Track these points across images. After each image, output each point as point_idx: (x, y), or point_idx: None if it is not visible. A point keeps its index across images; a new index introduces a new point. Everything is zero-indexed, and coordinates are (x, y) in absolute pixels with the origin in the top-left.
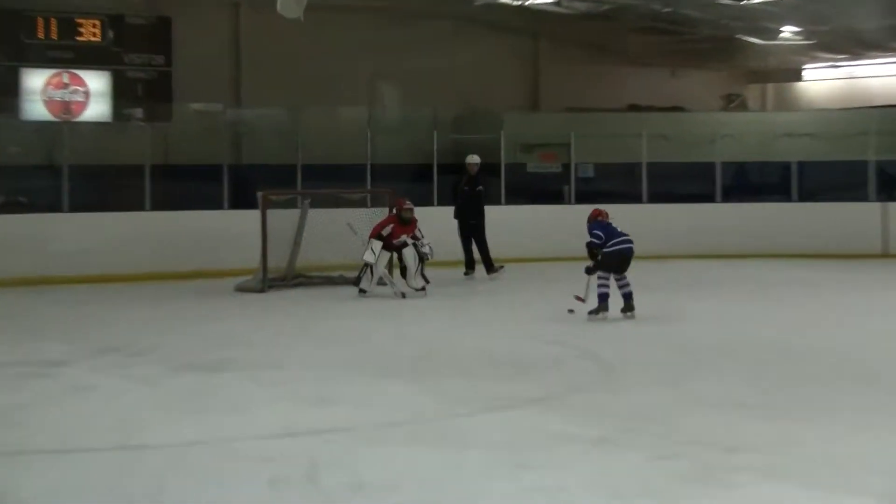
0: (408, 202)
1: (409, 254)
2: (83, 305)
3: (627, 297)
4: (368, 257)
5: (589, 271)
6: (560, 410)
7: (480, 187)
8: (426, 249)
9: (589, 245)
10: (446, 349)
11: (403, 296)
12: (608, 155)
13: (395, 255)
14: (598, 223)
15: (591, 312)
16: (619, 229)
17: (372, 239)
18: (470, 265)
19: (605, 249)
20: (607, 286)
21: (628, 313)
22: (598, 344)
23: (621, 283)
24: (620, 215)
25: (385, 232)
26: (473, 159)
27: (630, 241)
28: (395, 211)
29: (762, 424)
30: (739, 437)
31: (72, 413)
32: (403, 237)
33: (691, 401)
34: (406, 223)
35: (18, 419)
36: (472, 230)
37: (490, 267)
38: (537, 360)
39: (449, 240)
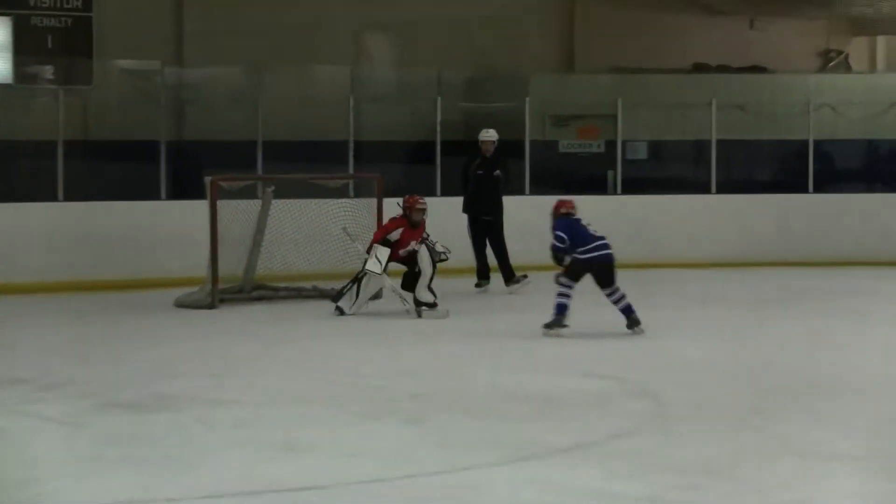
0: (422, 200)
1: (426, 257)
2: None
3: (627, 312)
4: (373, 267)
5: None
6: (599, 462)
7: (498, 172)
8: (441, 249)
9: (553, 249)
10: (453, 383)
11: (419, 315)
12: (666, 130)
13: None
14: (563, 220)
15: (546, 326)
16: (591, 229)
17: (376, 245)
18: (483, 274)
19: (576, 256)
20: (568, 296)
21: (636, 328)
22: (650, 376)
23: (612, 298)
24: (682, 208)
25: (393, 237)
26: (488, 135)
27: (607, 247)
28: (404, 211)
29: (863, 482)
30: (831, 497)
31: None
32: (413, 244)
33: (769, 450)
34: (416, 226)
35: None
36: (486, 228)
37: (510, 276)
38: (569, 397)
39: (457, 241)
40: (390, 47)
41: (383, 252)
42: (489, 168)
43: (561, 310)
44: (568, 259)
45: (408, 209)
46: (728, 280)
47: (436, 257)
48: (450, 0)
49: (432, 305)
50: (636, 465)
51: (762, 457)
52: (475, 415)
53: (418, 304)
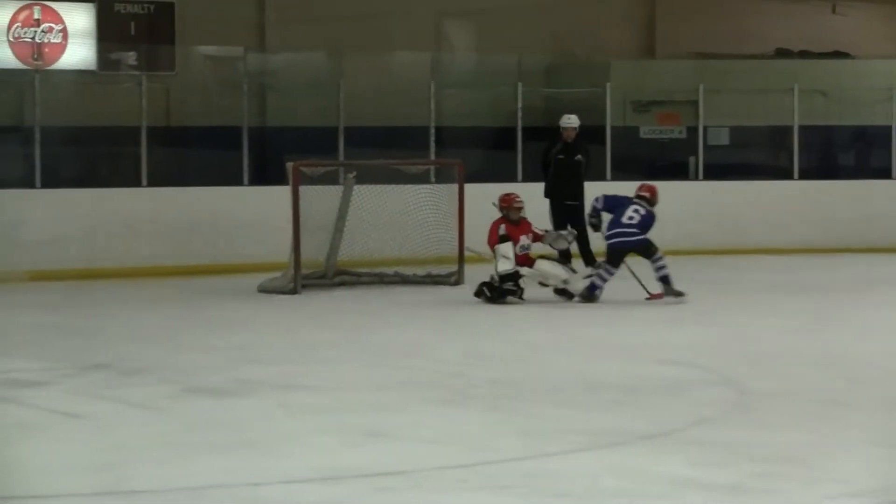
0: (518, 198)
1: (549, 272)
2: (61, 309)
3: (664, 281)
4: (506, 265)
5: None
6: (681, 449)
7: (580, 157)
8: (564, 233)
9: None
10: (534, 370)
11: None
12: (748, 116)
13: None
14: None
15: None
16: (629, 213)
17: (498, 246)
18: (566, 258)
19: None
20: (603, 278)
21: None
22: (733, 363)
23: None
24: (764, 194)
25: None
26: (570, 121)
27: (634, 234)
28: (502, 211)
29: None
30: None
31: (48, 449)
32: (524, 239)
33: (851, 440)
34: (517, 223)
35: None
36: (568, 213)
37: (590, 260)
38: (651, 385)
39: (539, 225)
40: (471, 33)
41: (508, 248)
42: (570, 153)
43: (592, 289)
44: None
45: (505, 209)
46: (810, 266)
47: (562, 244)
48: None
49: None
50: (718, 453)
51: (843, 446)
52: (556, 402)
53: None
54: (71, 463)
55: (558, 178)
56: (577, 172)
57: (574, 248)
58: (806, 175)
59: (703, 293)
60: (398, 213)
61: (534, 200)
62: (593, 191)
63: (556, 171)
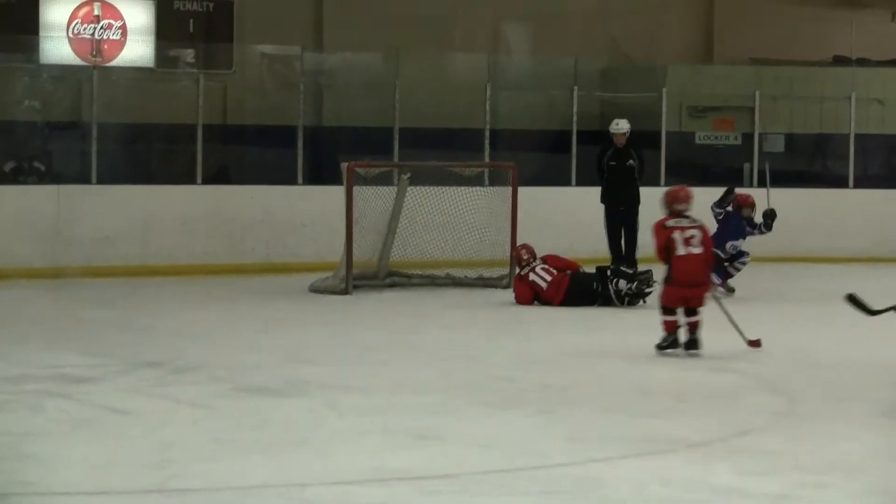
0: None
1: None
2: (114, 306)
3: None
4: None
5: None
6: (729, 458)
7: (632, 161)
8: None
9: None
10: (583, 375)
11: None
12: (804, 123)
13: None
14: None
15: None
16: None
17: None
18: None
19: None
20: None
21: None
22: (781, 371)
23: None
24: (819, 202)
25: None
26: (620, 127)
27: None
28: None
29: None
30: None
31: (99, 445)
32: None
33: None
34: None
35: (32, 451)
36: (622, 219)
37: (633, 264)
38: (700, 392)
39: (593, 231)
40: (528, 36)
41: None
42: (622, 159)
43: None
44: None
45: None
46: (865, 276)
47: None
48: None
49: None
50: (766, 462)
51: (892, 457)
52: (603, 407)
53: None
54: (121, 460)
55: (610, 185)
56: (629, 178)
57: None
58: (861, 184)
59: (757, 301)
60: (451, 215)
61: (588, 205)
62: (648, 196)
63: (609, 177)
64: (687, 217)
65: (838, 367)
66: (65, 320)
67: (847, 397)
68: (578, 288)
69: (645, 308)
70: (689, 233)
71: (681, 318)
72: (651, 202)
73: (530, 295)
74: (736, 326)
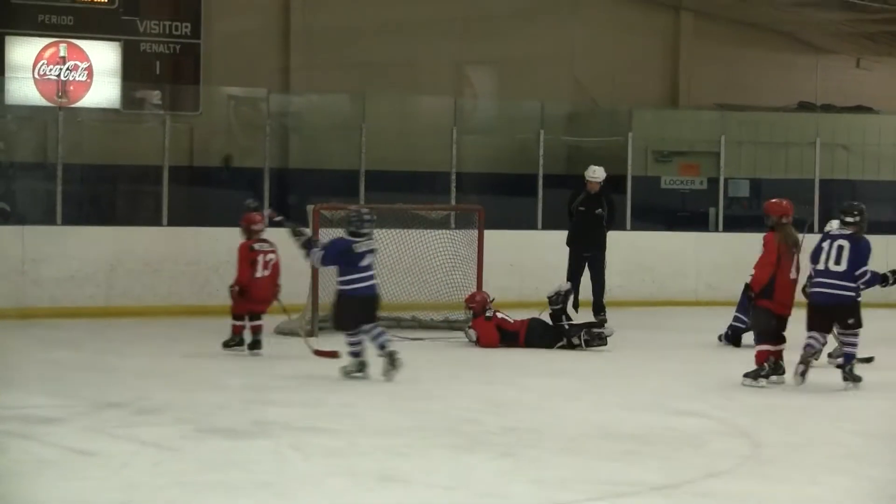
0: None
1: None
2: (79, 347)
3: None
4: None
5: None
6: (693, 501)
7: (601, 210)
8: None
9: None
10: (547, 418)
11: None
12: (769, 168)
13: None
14: None
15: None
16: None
17: None
18: (575, 307)
19: None
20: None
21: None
22: (749, 417)
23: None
24: None
25: None
26: (596, 175)
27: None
28: None
29: None
30: None
31: (63, 486)
32: None
33: (864, 494)
34: None
35: None
36: (584, 263)
37: (599, 308)
38: (665, 436)
39: (559, 274)
40: (494, 80)
41: None
42: (592, 205)
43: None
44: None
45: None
46: None
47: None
48: (555, 34)
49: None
50: None
51: (855, 501)
52: (569, 450)
53: None
54: (85, 501)
55: (577, 229)
56: (597, 224)
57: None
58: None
59: (721, 345)
60: (417, 258)
61: (554, 249)
62: (614, 240)
63: (577, 221)
64: None
65: (801, 411)
66: (29, 361)
67: (811, 441)
68: (539, 330)
69: (609, 350)
70: None
71: None
72: (614, 247)
73: (496, 336)
74: None
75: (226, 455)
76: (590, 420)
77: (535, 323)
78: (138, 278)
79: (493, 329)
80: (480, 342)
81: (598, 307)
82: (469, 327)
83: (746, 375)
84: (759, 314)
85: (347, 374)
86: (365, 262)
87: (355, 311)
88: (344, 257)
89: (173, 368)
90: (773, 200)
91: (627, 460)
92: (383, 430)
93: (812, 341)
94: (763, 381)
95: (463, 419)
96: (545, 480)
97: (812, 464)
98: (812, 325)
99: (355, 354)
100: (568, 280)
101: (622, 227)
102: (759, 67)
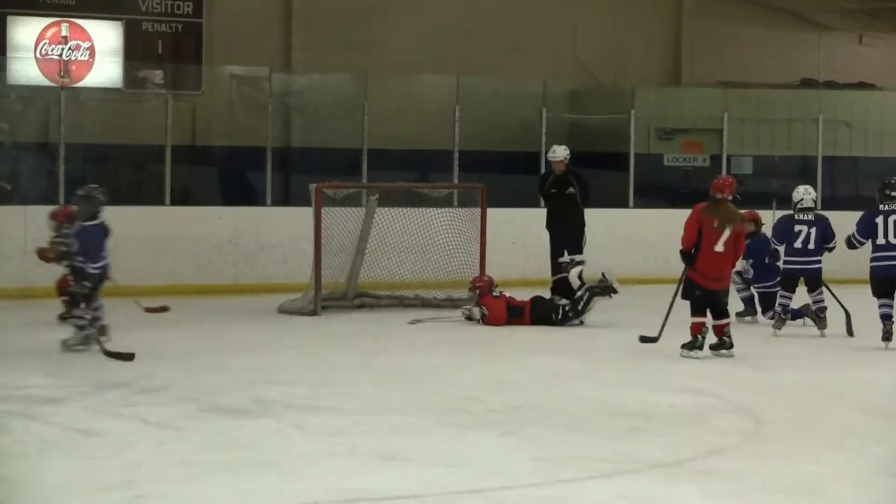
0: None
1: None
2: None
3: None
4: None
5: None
6: (695, 479)
7: (572, 189)
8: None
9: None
10: (550, 396)
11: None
12: (772, 145)
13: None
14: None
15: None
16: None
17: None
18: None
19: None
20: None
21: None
22: (749, 393)
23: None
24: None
25: None
26: (556, 154)
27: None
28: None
29: None
30: None
31: (65, 466)
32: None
33: (865, 471)
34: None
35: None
36: (565, 247)
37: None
38: (668, 413)
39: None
40: (496, 58)
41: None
42: (562, 186)
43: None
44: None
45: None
46: (828, 298)
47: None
48: (557, 12)
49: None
50: (732, 483)
51: (857, 477)
52: (571, 428)
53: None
54: (87, 481)
55: (552, 213)
56: (570, 205)
57: None
58: (828, 205)
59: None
60: (420, 237)
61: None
62: (617, 218)
63: (550, 205)
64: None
65: (803, 388)
66: (31, 341)
67: (811, 418)
68: (542, 304)
69: (612, 328)
70: None
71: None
72: (616, 223)
73: (504, 312)
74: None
75: (229, 434)
76: (592, 398)
77: (537, 299)
78: (141, 258)
79: (501, 305)
80: (488, 318)
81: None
82: (475, 305)
83: (682, 346)
84: (686, 284)
85: (69, 347)
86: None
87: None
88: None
89: (176, 348)
90: (718, 178)
91: (630, 438)
92: (386, 409)
93: (888, 310)
94: (697, 353)
95: (466, 398)
96: (548, 458)
97: (814, 441)
98: (880, 293)
99: (80, 328)
100: (552, 261)
101: (624, 205)
102: (761, 45)
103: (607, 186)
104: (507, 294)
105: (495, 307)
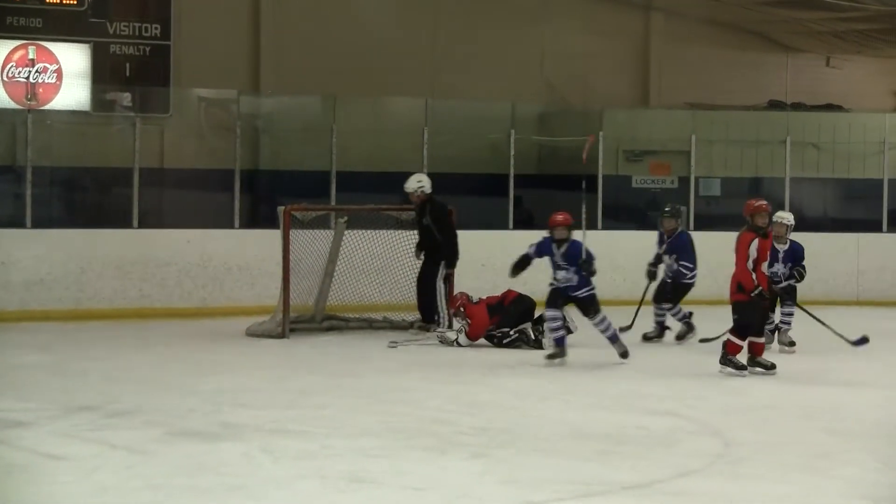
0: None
1: None
2: (49, 350)
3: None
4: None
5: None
6: (665, 501)
7: (426, 219)
8: None
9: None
10: (520, 418)
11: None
12: (739, 167)
13: None
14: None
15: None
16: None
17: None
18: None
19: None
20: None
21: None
22: (718, 414)
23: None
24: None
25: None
26: (409, 185)
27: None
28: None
29: None
30: None
31: (32, 490)
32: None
33: (835, 493)
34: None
35: None
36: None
37: (429, 318)
38: (637, 435)
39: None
40: (464, 80)
41: None
42: (419, 216)
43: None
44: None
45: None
46: (801, 319)
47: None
48: (525, 34)
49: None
50: None
51: (828, 499)
52: (540, 450)
53: None
54: None
55: (418, 246)
56: (427, 234)
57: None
58: (796, 227)
59: (693, 344)
60: (388, 259)
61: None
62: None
63: (419, 235)
64: None
65: (772, 409)
66: (3, 363)
67: (783, 441)
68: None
69: (582, 349)
70: None
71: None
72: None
73: (486, 315)
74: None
75: (197, 458)
76: (562, 420)
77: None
78: (108, 281)
79: (482, 309)
80: (470, 330)
81: (428, 317)
82: (463, 319)
83: (750, 364)
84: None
85: None
86: None
87: None
88: None
89: (144, 372)
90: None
91: (600, 460)
92: (355, 431)
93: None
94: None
95: (435, 420)
96: (517, 481)
97: (784, 463)
98: None
99: None
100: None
101: (593, 227)
102: (729, 67)
103: (576, 208)
104: (484, 297)
105: (477, 313)
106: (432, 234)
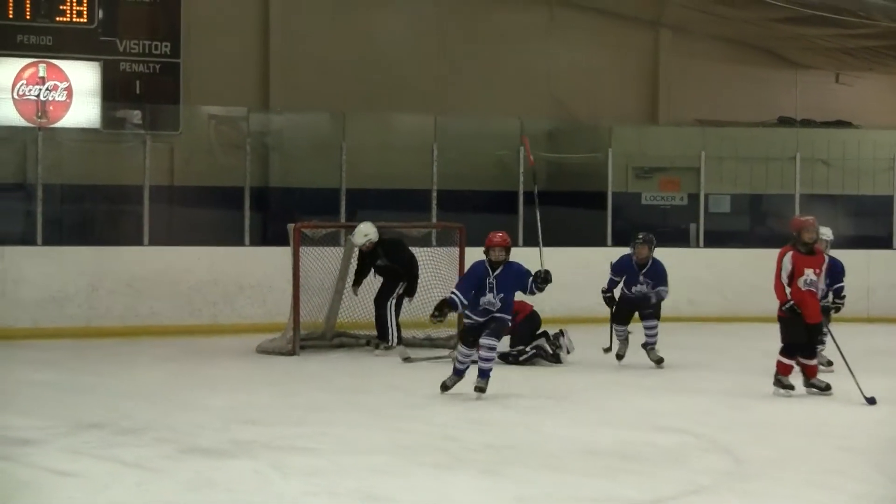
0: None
1: None
2: (59, 367)
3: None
4: None
5: None
6: None
7: (380, 261)
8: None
9: None
10: (528, 435)
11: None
12: (749, 183)
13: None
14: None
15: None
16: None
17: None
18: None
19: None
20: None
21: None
22: (729, 431)
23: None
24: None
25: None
26: (358, 240)
27: None
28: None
29: None
30: None
31: None
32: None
33: None
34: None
35: None
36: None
37: (384, 336)
38: (647, 452)
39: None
40: (473, 97)
41: None
42: (374, 260)
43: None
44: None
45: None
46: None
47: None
48: (533, 50)
49: None
50: None
51: None
52: (550, 467)
53: None
54: None
55: (355, 284)
56: (389, 274)
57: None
58: None
59: (702, 360)
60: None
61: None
62: (593, 256)
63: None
64: None
65: (782, 426)
66: (8, 382)
67: (793, 457)
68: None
69: (590, 366)
70: None
71: None
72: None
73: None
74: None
75: (206, 475)
76: (570, 436)
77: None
78: (119, 298)
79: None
80: None
81: (383, 334)
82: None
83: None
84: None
85: None
86: None
87: None
88: None
89: (154, 388)
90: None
91: (608, 476)
92: (364, 449)
93: None
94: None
95: (444, 436)
96: (526, 497)
97: (793, 479)
98: None
99: None
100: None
101: (603, 244)
102: (738, 83)
103: (585, 225)
104: None
105: None
106: (396, 270)
